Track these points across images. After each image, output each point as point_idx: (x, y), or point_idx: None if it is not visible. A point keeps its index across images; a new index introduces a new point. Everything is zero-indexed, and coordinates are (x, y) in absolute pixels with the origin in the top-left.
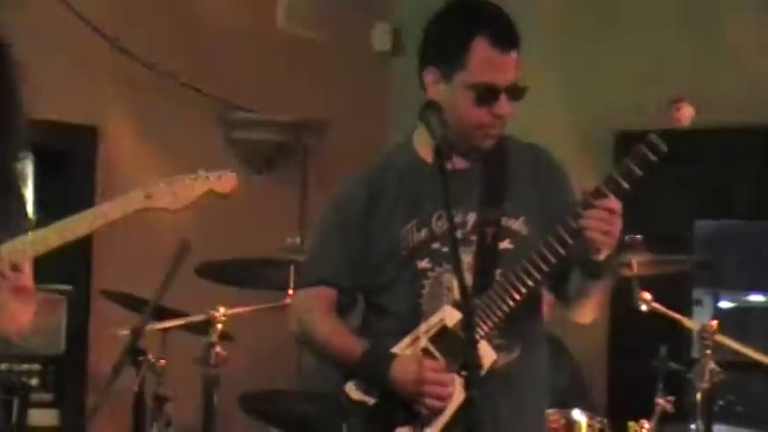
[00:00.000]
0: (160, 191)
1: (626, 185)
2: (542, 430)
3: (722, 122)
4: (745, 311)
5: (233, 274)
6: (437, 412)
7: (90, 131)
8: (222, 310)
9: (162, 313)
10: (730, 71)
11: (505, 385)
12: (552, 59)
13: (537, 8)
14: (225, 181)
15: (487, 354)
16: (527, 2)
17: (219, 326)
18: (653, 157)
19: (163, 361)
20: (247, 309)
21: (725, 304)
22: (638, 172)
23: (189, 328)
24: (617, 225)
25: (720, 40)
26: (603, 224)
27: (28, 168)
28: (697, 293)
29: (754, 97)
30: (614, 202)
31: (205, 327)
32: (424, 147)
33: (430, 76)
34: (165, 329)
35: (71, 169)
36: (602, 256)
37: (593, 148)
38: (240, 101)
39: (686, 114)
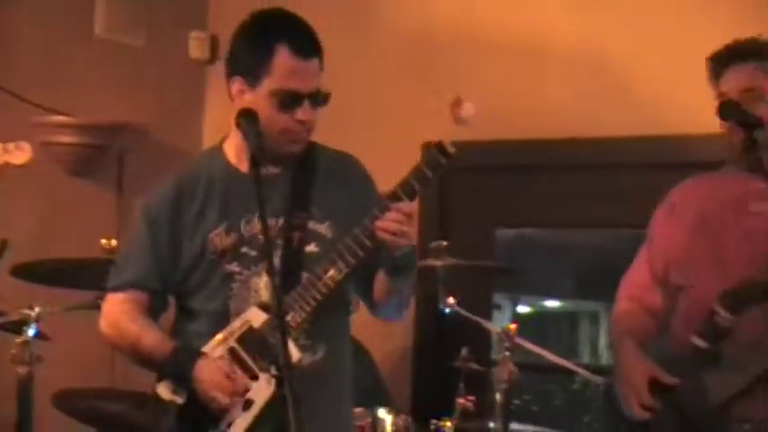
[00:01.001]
0: None
1: (418, 187)
2: (348, 429)
3: (522, 135)
4: (541, 316)
5: (49, 274)
6: (221, 416)
7: None
8: (38, 309)
9: None
10: (531, 87)
11: (310, 385)
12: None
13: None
14: (21, 152)
15: (292, 353)
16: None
17: (35, 325)
18: (443, 160)
19: None
20: (63, 308)
21: (523, 309)
22: (429, 174)
23: (4, 327)
24: (411, 225)
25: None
26: (397, 225)
27: None
28: (497, 298)
29: (553, 112)
30: (408, 205)
31: (20, 326)
32: (233, 152)
33: (236, 85)
34: None
35: None
36: (398, 253)
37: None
38: (56, 104)
39: (466, 112)
